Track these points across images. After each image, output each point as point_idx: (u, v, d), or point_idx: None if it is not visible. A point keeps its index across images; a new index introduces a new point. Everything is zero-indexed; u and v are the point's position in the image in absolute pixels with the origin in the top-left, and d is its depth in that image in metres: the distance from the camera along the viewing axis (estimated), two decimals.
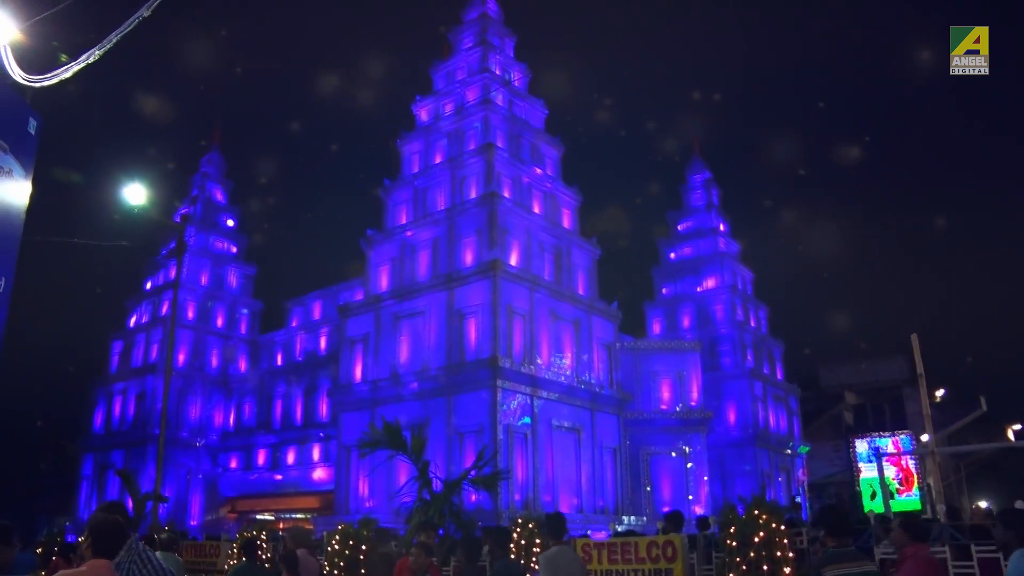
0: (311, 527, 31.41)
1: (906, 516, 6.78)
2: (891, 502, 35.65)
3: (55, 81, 17.56)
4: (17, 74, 16.54)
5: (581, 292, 33.41)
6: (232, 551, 14.99)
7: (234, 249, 47.92)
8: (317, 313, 43.70)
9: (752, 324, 45.27)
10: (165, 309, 42.43)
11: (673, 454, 34.09)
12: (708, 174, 50.04)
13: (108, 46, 17.15)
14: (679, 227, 49.09)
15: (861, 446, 40.61)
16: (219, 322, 45.12)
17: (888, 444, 39.71)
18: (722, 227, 47.89)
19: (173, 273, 32.47)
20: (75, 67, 17.35)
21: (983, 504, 30.15)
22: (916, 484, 36.96)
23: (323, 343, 41.84)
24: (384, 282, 33.15)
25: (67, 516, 41.47)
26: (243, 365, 44.89)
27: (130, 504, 21.13)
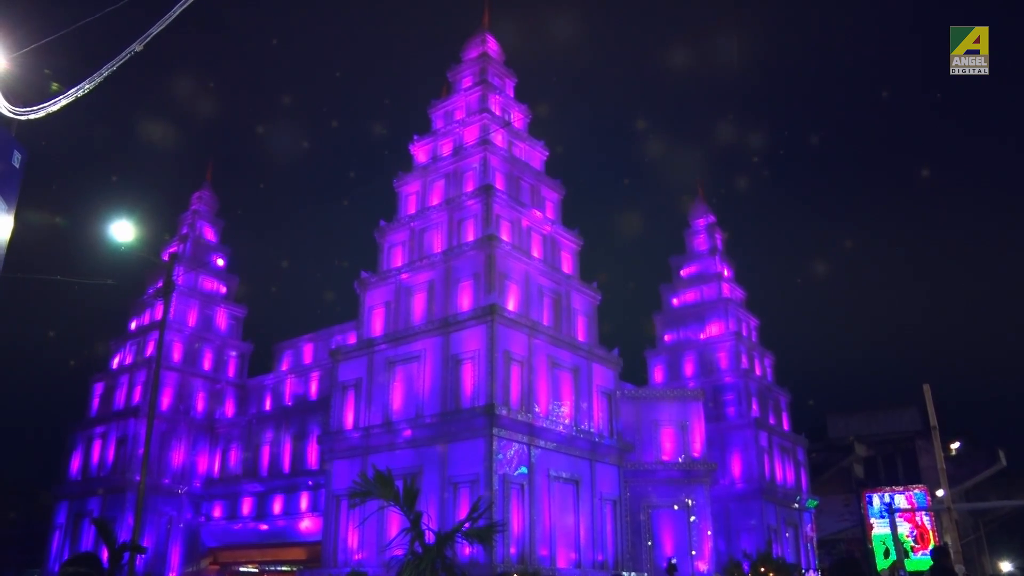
0: None
1: None
2: (906, 561, 34.18)
3: (42, 114, 16.53)
4: (2, 106, 15.44)
5: (581, 338, 32.61)
6: None
7: (224, 289, 46.92)
8: (308, 357, 42.70)
9: (757, 372, 44.21)
10: (150, 350, 41.36)
11: (675, 507, 33.14)
12: (712, 218, 49.48)
13: (99, 80, 16.12)
14: (682, 272, 48.31)
15: (873, 501, 39.23)
16: (206, 364, 43.91)
17: (901, 499, 38.33)
18: (726, 272, 47.12)
19: (159, 313, 31.48)
20: (63, 100, 16.35)
21: (1006, 565, 28.61)
22: (932, 542, 35.53)
23: (314, 388, 40.72)
24: (378, 326, 32.37)
25: (37, 568, 39.59)
26: (230, 409, 43.60)
27: (105, 555, 20.07)
